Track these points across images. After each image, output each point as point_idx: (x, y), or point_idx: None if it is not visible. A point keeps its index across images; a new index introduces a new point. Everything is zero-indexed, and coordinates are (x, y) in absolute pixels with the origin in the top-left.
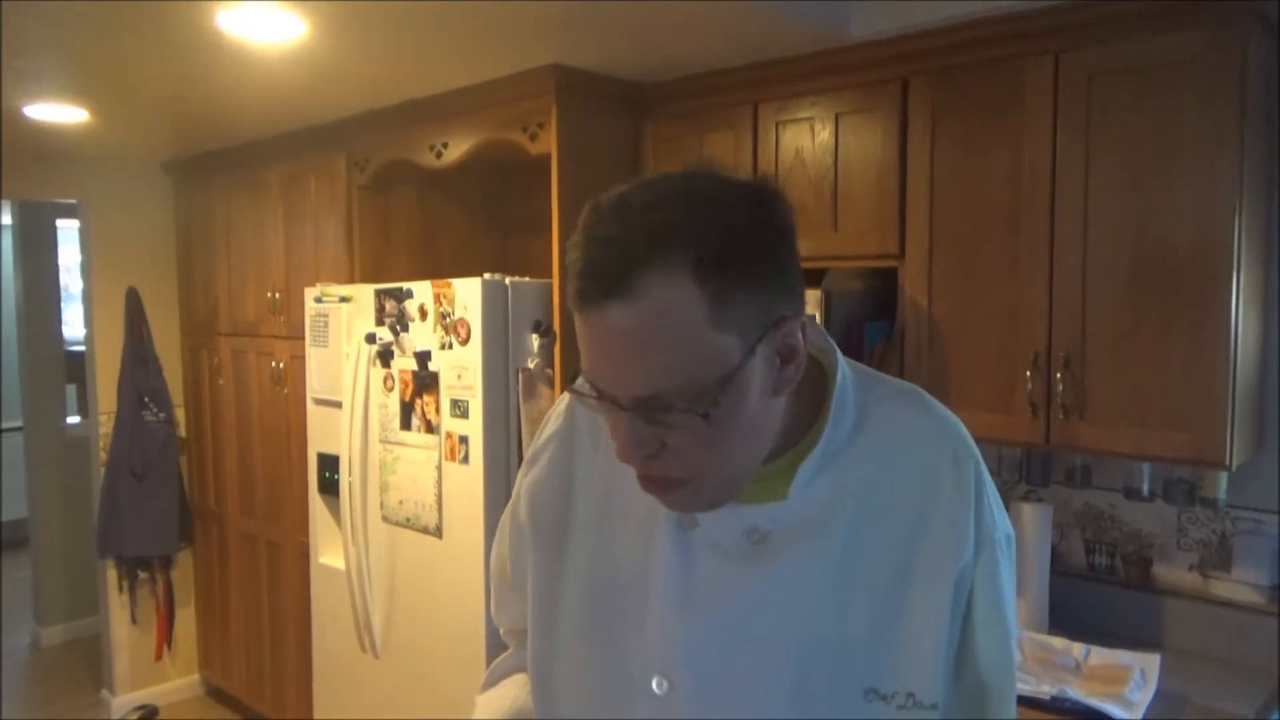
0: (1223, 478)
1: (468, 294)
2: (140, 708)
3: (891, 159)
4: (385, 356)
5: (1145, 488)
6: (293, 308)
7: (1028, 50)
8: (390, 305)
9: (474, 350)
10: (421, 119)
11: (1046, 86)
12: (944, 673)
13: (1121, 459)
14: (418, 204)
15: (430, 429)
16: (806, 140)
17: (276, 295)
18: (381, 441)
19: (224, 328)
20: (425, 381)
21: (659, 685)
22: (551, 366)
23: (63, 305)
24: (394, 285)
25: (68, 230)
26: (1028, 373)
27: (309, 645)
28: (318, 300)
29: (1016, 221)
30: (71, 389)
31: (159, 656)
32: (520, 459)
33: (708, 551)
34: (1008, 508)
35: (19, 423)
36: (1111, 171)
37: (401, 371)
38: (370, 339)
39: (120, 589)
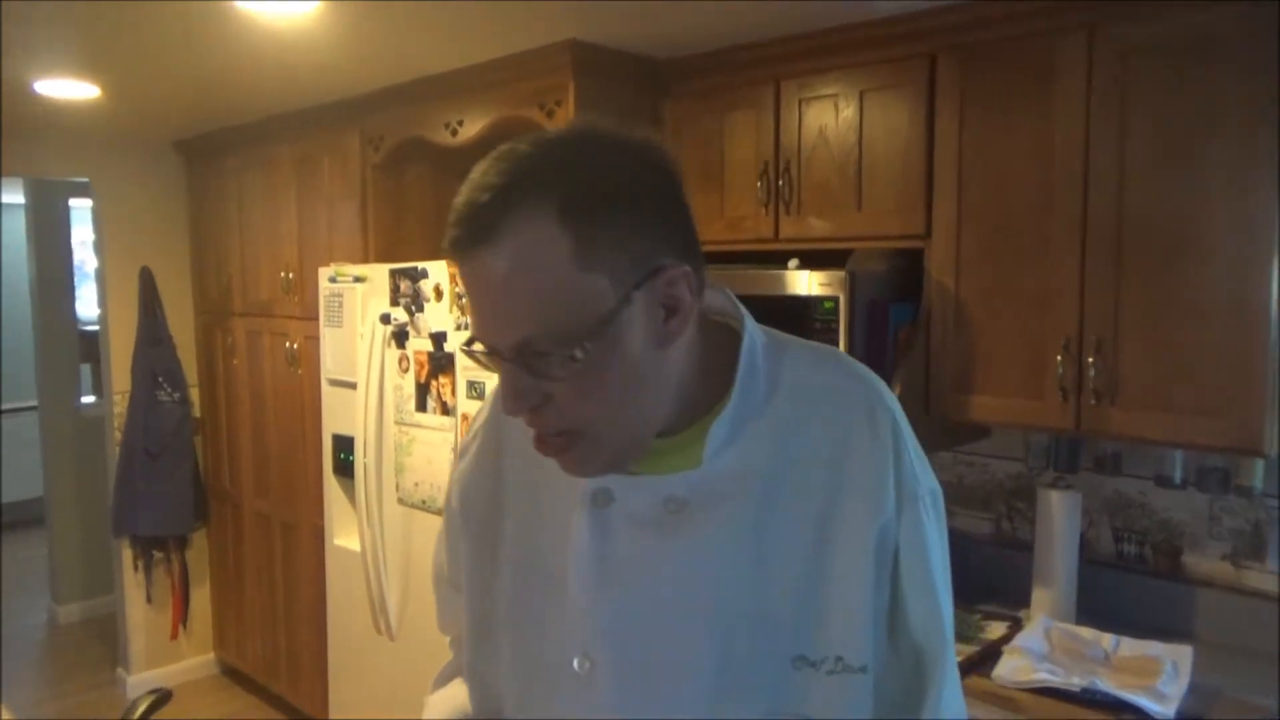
0: (1259, 465)
1: None
2: (153, 691)
3: (918, 137)
4: (400, 337)
5: (1177, 475)
6: (306, 288)
7: (1059, 25)
8: (405, 285)
9: None
10: (437, 96)
11: (1079, 62)
12: (875, 636)
13: (1154, 445)
14: (433, 183)
15: (446, 410)
16: (830, 118)
17: (290, 275)
18: (397, 423)
19: (238, 308)
20: (441, 363)
21: (580, 664)
22: None
23: (77, 285)
24: (409, 265)
25: (82, 210)
26: (1058, 356)
27: (324, 626)
28: (332, 280)
29: (1048, 201)
30: (86, 369)
31: (174, 636)
32: None
33: (625, 526)
34: (1035, 495)
35: (34, 402)
36: (1146, 149)
37: (417, 352)
38: (385, 319)
39: (135, 568)
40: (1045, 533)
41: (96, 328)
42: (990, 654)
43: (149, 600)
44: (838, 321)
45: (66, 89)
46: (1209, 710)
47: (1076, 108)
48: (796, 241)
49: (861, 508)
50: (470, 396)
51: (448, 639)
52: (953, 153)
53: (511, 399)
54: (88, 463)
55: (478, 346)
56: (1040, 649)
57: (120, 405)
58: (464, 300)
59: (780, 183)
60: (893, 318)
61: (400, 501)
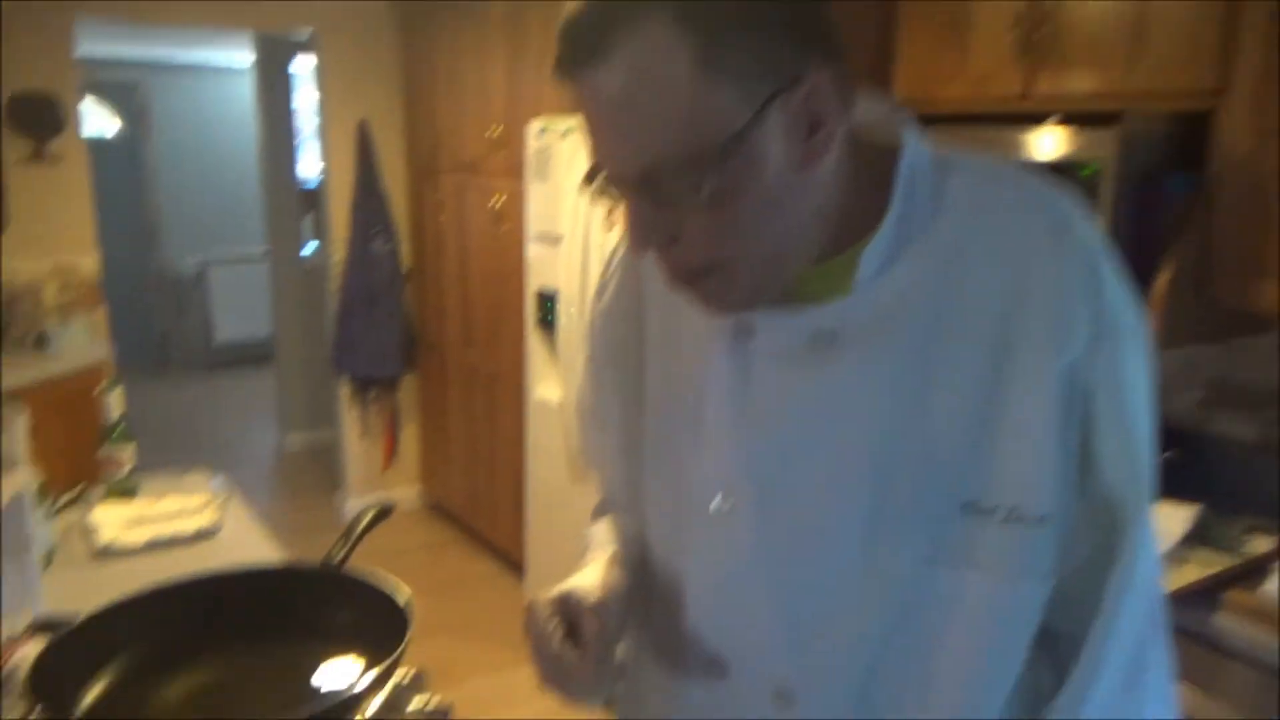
0: None
1: None
2: (377, 505)
3: None
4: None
5: None
6: (513, 144)
7: None
8: None
9: None
10: None
11: None
12: (1061, 485)
13: None
14: None
15: None
16: None
17: (496, 131)
18: None
19: (445, 164)
20: None
21: (719, 505)
22: None
23: (297, 146)
24: None
25: (302, 76)
26: None
27: (522, 472)
28: (540, 133)
29: None
30: (308, 221)
31: (385, 467)
32: None
33: (768, 361)
34: None
35: (264, 250)
36: None
37: None
38: (592, 175)
39: (352, 405)
40: None
41: (316, 183)
42: (1255, 569)
43: (364, 434)
44: (1101, 191)
45: None
46: None
47: None
48: (1053, 101)
49: (1044, 343)
50: None
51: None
52: None
53: (638, 234)
54: (310, 307)
55: (599, 179)
56: None
57: (338, 255)
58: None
59: (1036, 35)
60: (1170, 188)
61: None
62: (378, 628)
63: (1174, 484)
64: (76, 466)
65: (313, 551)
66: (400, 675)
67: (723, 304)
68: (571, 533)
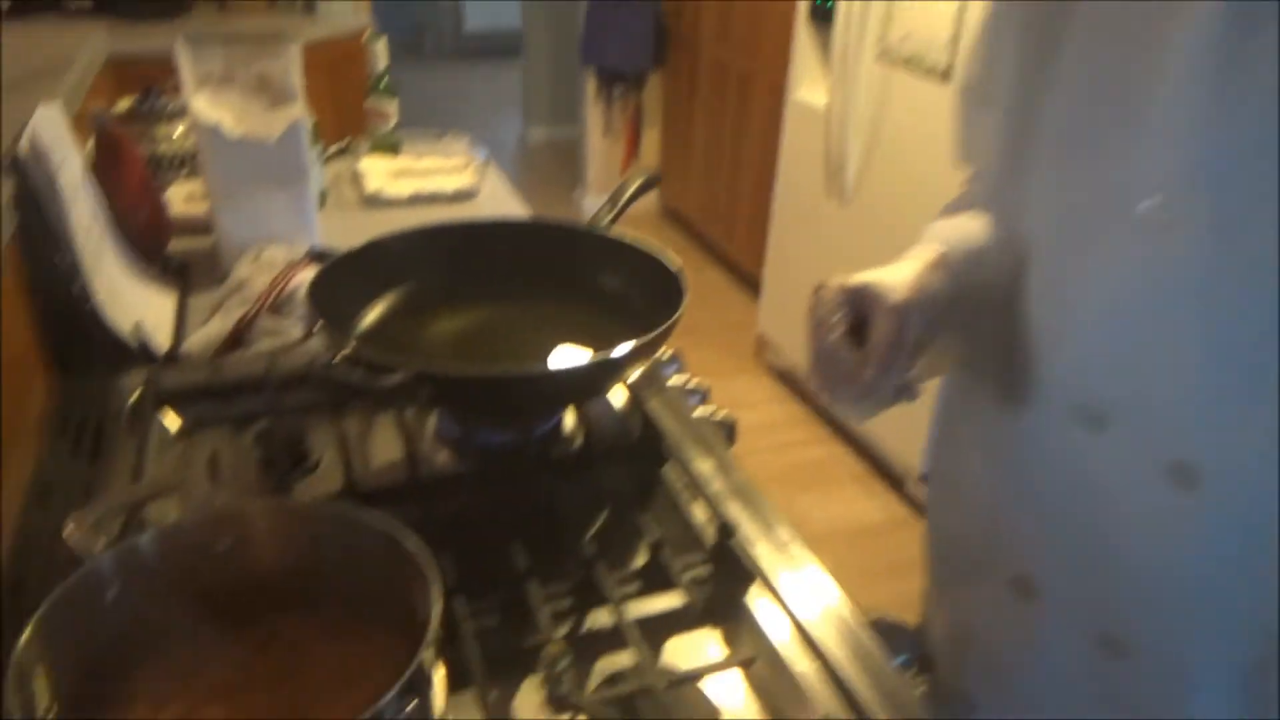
0: None
1: None
2: (645, 173)
3: None
4: None
5: None
6: None
7: None
8: None
9: None
10: None
11: None
12: None
13: None
14: None
15: None
16: None
17: None
18: None
19: None
20: None
21: (1150, 209)
22: None
23: None
24: None
25: None
26: None
27: (769, 181)
28: None
29: None
30: None
31: (625, 168)
32: None
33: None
34: None
35: None
36: None
37: None
38: None
39: (597, 100)
40: None
41: None
42: None
43: (606, 132)
44: None
45: None
46: None
47: None
48: None
49: None
50: None
51: (966, 170)
52: None
53: None
54: None
55: None
56: None
57: None
58: None
59: None
60: None
61: (881, 57)
62: (646, 295)
63: None
64: (343, 121)
65: None
66: (663, 350)
67: None
68: (818, 253)
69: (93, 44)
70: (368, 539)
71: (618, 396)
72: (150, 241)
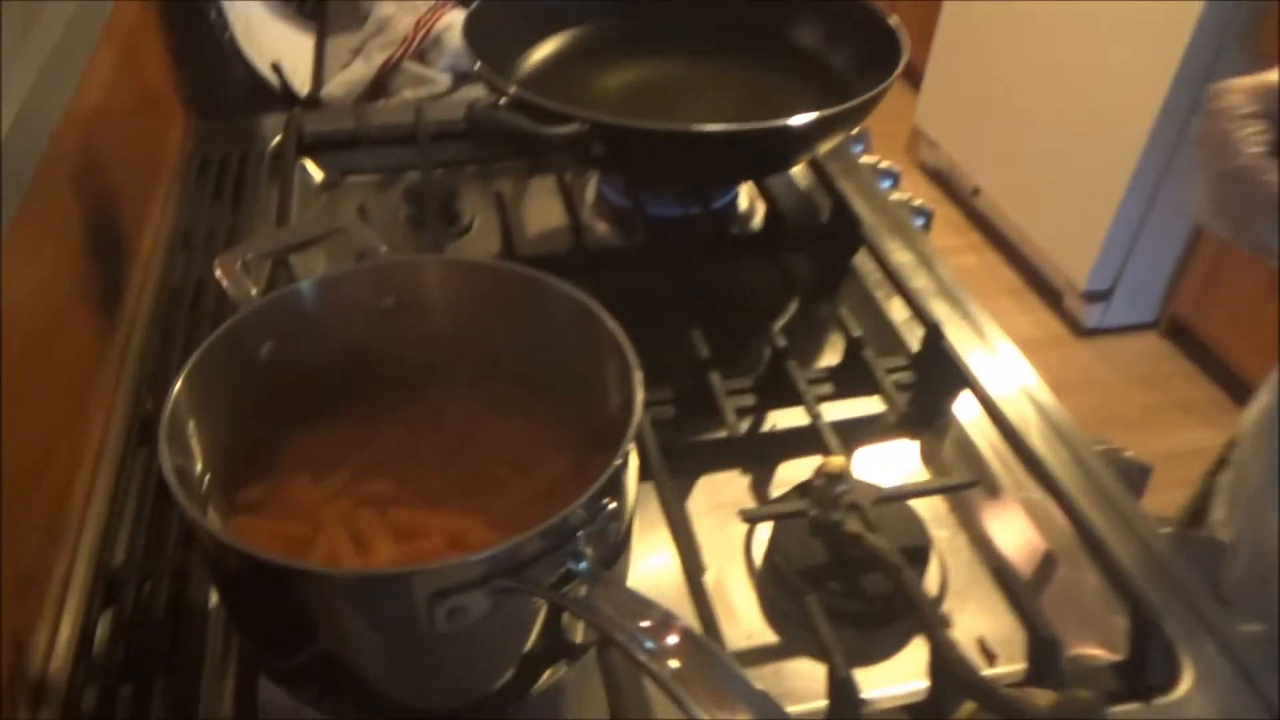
0: None
1: None
2: None
3: None
4: None
5: None
6: None
7: None
8: None
9: None
10: None
11: None
12: None
13: None
14: None
15: None
16: None
17: None
18: None
19: None
20: None
21: None
22: None
23: None
24: None
25: None
26: None
27: None
28: None
29: None
30: None
31: None
32: None
33: None
34: None
35: None
36: None
37: None
38: None
39: None
40: None
41: None
42: None
43: None
44: None
45: None
46: None
47: None
48: None
49: None
50: None
51: None
52: None
53: None
54: None
55: None
56: None
57: None
58: None
59: None
60: None
61: None
62: (848, 56)
63: None
64: None
65: None
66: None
67: None
68: (994, 44)
69: None
70: (557, 310)
71: (802, 174)
72: None
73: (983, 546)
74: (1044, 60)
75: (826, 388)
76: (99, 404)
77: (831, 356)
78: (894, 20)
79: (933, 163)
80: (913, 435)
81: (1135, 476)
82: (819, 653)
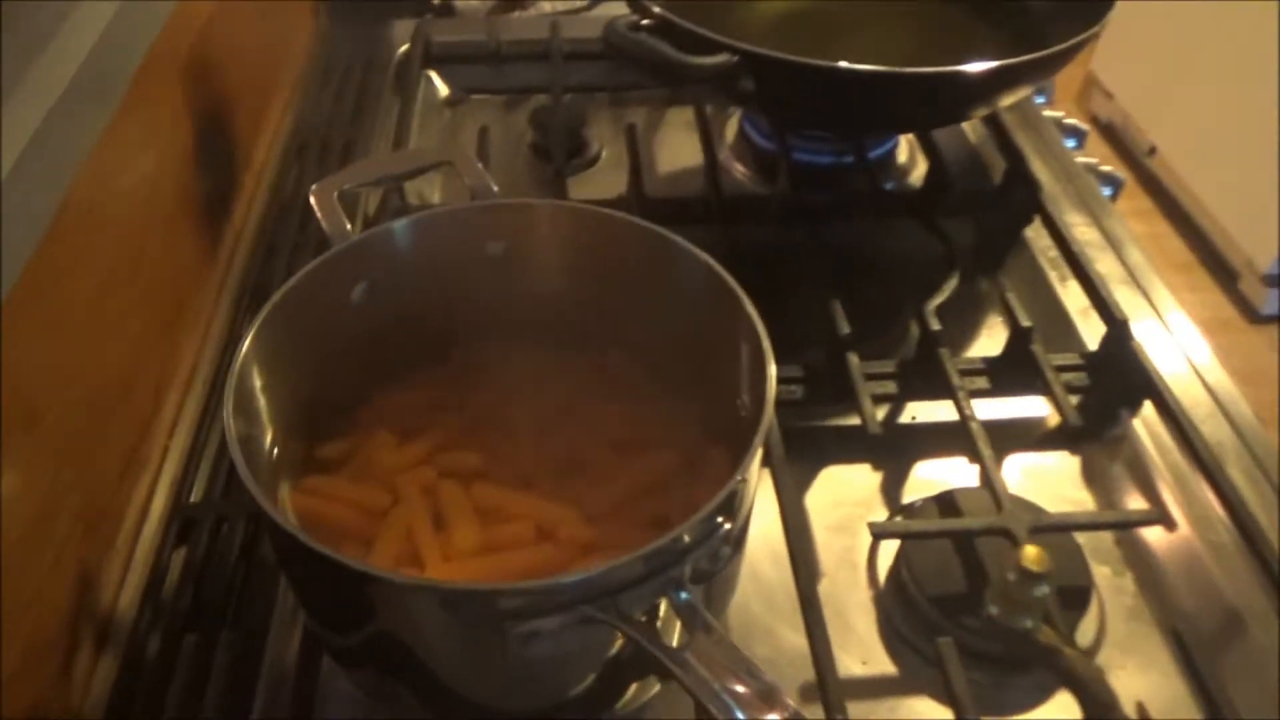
0: None
1: None
2: None
3: None
4: None
5: None
6: None
7: None
8: None
9: None
10: None
11: None
12: None
13: None
14: None
15: None
16: None
17: None
18: None
19: None
20: None
21: None
22: None
23: None
24: None
25: None
26: None
27: None
28: None
29: None
30: None
31: None
32: None
33: None
34: None
35: None
36: None
37: None
38: None
39: None
40: None
41: None
42: None
43: None
44: None
45: None
46: None
47: None
48: None
49: None
50: None
51: None
52: None
53: None
54: None
55: None
56: None
57: None
58: None
59: None
60: None
61: None
62: None
63: None
64: None
65: None
66: None
67: None
68: None
69: None
70: (687, 277)
71: (973, 125)
72: None
73: (1153, 592)
74: (1241, 10)
75: (982, 381)
76: (194, 323)
77: (990, 345)
78: None
79: (1105, 116)
80: (1077, 447)
81: None
82: (944, 694)
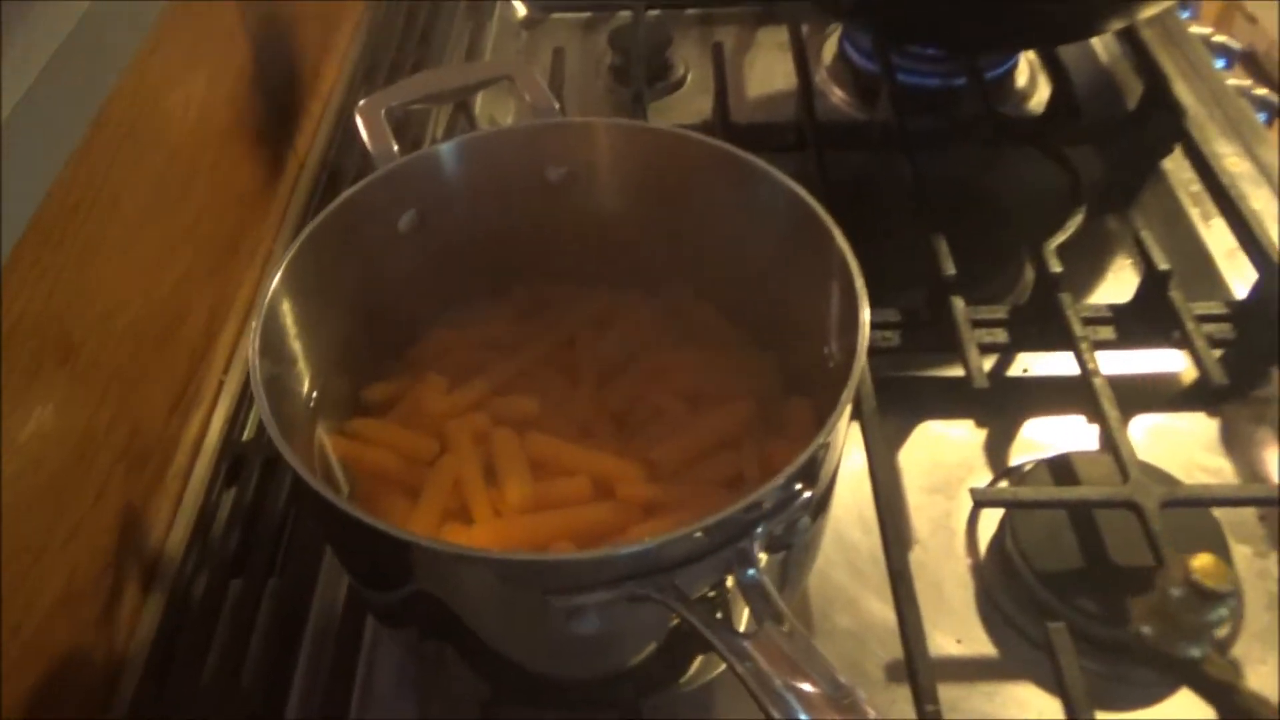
0: None
1: None
2: None
3: None
4: None
5: None
6: None
7: None
8: None
9: None
10: None
11: None
12: None
13: None
14: None
15: None
16: None
17: None
18: None
19: None
20: None
21: None
22: None
23: None
24: None
25: None
26: None
27: None
28: None
29: None
30: None
31: None
32: None
33: None
34: None
35: None
36: None
37: None
38: None
39: None
40: None
41: None
42: None
43: None
44: None
45: None
46: None
47: None
48: None
49: None
50: None
51: None
52: None
53: None
54: None
55: None
56: None
57: None
58: None
59: None
60: None
61: None
62: None
63: None
64: None
65: None
66: None
67: None
68: None
69: None
70: (772, 210)
71: (1104, 42)
72: None
73: None
74: None
75: (1107, 331)
76: (252, 255)
77: (1118, 291)
78: None
79: (1247, 43)
80: (1217, 409)
81: None
82: (1050, 682)
